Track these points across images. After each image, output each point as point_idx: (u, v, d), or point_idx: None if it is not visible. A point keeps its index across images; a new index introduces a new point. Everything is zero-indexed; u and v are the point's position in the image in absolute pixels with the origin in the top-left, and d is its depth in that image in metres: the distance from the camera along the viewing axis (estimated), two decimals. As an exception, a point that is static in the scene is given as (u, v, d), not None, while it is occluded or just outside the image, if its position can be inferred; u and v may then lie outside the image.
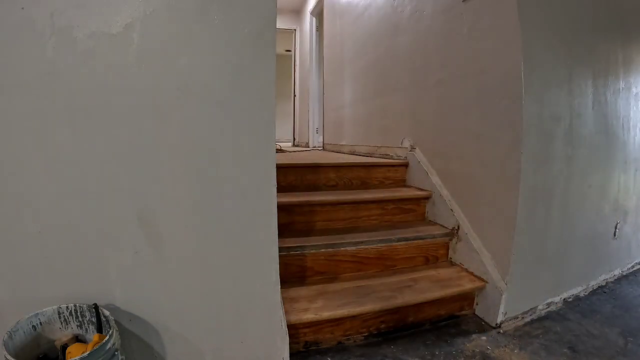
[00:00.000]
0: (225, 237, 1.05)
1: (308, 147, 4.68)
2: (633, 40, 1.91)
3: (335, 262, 1.61)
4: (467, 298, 1.62)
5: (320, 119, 4.45)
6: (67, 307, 0.89)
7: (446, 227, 1.85)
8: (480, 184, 1.67)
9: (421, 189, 2.07)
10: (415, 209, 2.03)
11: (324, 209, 1.80)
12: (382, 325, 1.46)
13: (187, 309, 1.04)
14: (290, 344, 1.19)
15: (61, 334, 0.88)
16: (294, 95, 5.64)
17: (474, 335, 1.46)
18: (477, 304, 1.63)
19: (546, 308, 1.68)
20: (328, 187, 2.07)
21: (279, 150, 3.36)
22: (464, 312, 1.62)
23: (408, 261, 1.75)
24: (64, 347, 0.85)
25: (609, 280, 2.03)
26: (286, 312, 1.27)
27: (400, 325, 1.49)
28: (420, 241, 1.76)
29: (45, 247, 0.90)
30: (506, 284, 1.50)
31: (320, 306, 1.34)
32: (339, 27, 3.64)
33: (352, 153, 3.24)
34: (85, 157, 0.91)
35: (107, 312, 0.88)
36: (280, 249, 1.15)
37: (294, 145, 5.49)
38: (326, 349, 1.36)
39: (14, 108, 0.85)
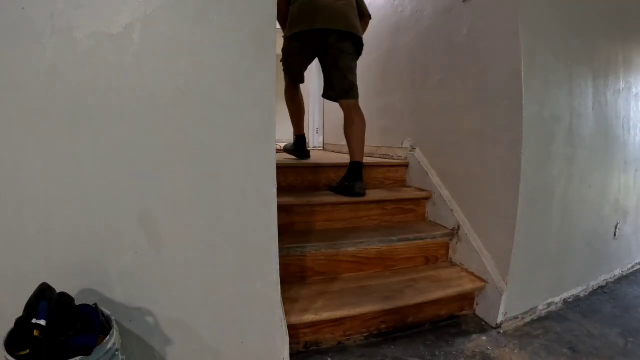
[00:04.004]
0: (225, 237, 1.05)
1: (308, 147, 4.67)
2: (633, 40, 1.91)
3: (335, 262, 1.61)
4: (467, 298, 1.62)
5: (320, 119, 4.44)
6: (67, 307, 0.89)
7: (446, 227, 1.85)
8: (480, 184, 1.67)
9: (421, 189, 2.07)
10: (415, 209, 2.03)
11: (324, 209, 1.80)
12: (382, 325, 1.46)
13: (187, 309, 1.04)
14: (290, 344, 1.19)
15: (61, 334, 0.88)
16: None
17: (474, 335, 1.46)
18: (477, 304, 1.63)
19: (546, 308, 1.68)
20: (328, 187, 2.06)
21: (279, 150, 3.35)
22: (464, 312, 1.62)
23: (408, 261, 1.75)
24: (64, 347, 0.85)
25: (609, 280, 2.03)
26: (286, 312, 1.27)
27: (400, 325, 1.49)
28: (420, 241, 1.76)
29: (45, 247, 0.90)
30: (506, 284, 1.50)
31: (320, 306, 1.34)
32: (339, 27, 3.63)
33: (352, 153, 3.23)
34: (85, 157, 0.91)
35: (107, 312, 0.88)
36: (280, 249, 1.15)
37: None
38: (326, 349, 1.36)
39: (14, 108, 0.85)
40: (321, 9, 1.87)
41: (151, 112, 0.94)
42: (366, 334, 1.44)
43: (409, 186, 2.21)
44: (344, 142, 3.55)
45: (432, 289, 1.50)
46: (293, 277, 1.54)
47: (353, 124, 2.01)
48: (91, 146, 0.91)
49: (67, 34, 0.86)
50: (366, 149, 2.97)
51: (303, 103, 2.35)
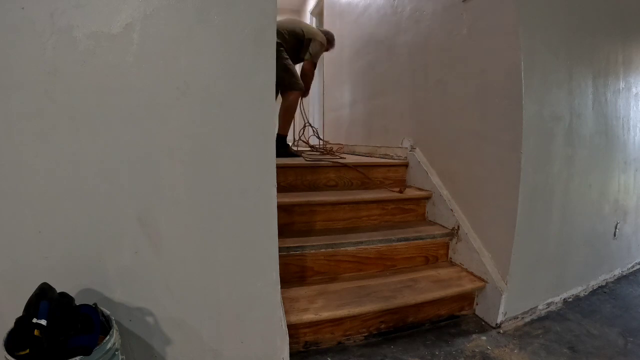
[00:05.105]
0: (225, 237, 1.05)
1: (308, 147, 4.67)
2: (633, 40, 1.91)
3: (335, 262, 1.61)
4: (467, 298, 1.62)
5: (320, 119, 4.44)
6: (67, 307, 0.89)
7: (446, 227, 1.85)
8: (480, 184, 1.67)
9: (421, 189, 2.07)
10: (415, 209, 2.03)
11: (324, 209, 1.80)
12: (382, 325, 1.46)
13: (187, 309, 1.04)
14: (290, 344, 1.19)
15: (61, 334, 0.88)
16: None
17: (474, 335, 1.46)
18: (477, 304, 1.63)
19: (546, 308, 1.68)
20: (328, 187, 2.07)
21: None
22: (464, 312, 1.62)
23: (408, 261, 1.75)
24: (64, 347, 0.85)
25: (609, 280, 2.03)
26: (286, 312, 1.27)
27: (400, 325, 1.49)
28: (420, 241, 1.76)
29: (45, 247, 0.90)
30: (506, 284, 1.50)
31: (320, 306, 1.34)
32: (339, 27, 3.63)
33: (352, 153, 3.24)
34: (85, 157, 0.91)
35: (107, 312, 0.88)
36: (280, 249, 1.15)
37: (293, 145, 5.47)
38: (326, 349, 1.36)
39: (14, 108, 0.85)
40: None
41: (151, 112, 0.94)
42: (366, 334, 1.44)
43: (409, 186, 2.21)
44: (343, 142, 3.57)
45: (432, 289, 1.50)
46: (293, 277, 1.54)
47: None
48: (91, 146, 0.91)
49: (67, 34, 0.86)
50: (366, 149, 2.98)
51: None
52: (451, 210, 1.83)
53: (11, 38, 0.83)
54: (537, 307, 1.64)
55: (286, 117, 2.61)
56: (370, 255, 1.67)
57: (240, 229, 1.06)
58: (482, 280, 1.59)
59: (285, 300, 1.34)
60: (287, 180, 1.97)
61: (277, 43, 2.42)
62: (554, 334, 1.47)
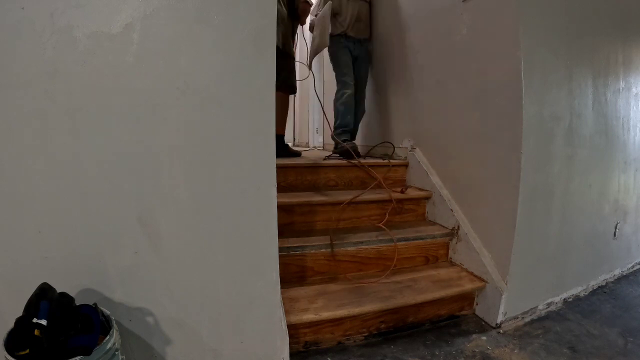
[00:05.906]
0: (225, 237, 1.05)
1: (308, 147, 4.67)
2: (633, 41, 1.91)
3: (335, 262, 1.61)
4: (467, 298, 1.62)
5: (320, 119, 4.44)
6: (67, 307, 0.88)
7: (446, 227, 1.85)
8: (480, 184, 1.67)
9: (421, 189, 2.07)
10: (415, 209, 2.03)
11: (324, 209, 1.80)
12: (382, 325, 1.46)
13: (187, 309, 1.04)
14: (290, 344, 1.19)
15: (61, 334, 0.88)
16: (294, 95, 5.63)
17: (474, 335, 1.46)
18: (477, 304, 1.63)
19: (546, 308, 1.68)
20: (328, 187, 2.06)
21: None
22: (464, 312, 1.62)
23: (408, 261, 1.75)
24: (64, 347, 0.84)
25: (609, 280, 2.03)
26: (286, 312, 1.27)
27: (400, 325, 1.49)
28: (420, 241, 1.76)
29: (45, 247, 0.90)
30: (506, 284, 1.50)
31: (320, 306, 1.34)
32: (339, 27, 3.62)
33: (352, 153, 3.23)
34: (85, 157, 0.91)
35: (107, 312, 0.88)
36: (280, 249, 1.15)
37: (293, 145, 5.48)
38: (326, 349, 1.36)
39: (14, 108, 0.85)
40: None
41: (151, 112, 0.94)
42: (366, 334, 1.44)
43: (409, 186, 2.21)
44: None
45: (432, 289, 1.50)
46: (293, 277, 1.54)
47: None
48: (91, 146, 0.91)
49: (67, 34, 0.86)
50: (367, 149, 2.97)
51: None
52: (451, 210, 1.83)
53: (11, 38, 0.83)
54: (537, 307, 1.64)
55: (281, 116, 2.52)
56: (370, 255, 1.67)
57: (240, 229, 1.06)
58: (482, 280, 1.59)
59: (285, 300, 1.34)
60: (287, 180, 1.97)
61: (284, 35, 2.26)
62: (554, 334, 1.47)
